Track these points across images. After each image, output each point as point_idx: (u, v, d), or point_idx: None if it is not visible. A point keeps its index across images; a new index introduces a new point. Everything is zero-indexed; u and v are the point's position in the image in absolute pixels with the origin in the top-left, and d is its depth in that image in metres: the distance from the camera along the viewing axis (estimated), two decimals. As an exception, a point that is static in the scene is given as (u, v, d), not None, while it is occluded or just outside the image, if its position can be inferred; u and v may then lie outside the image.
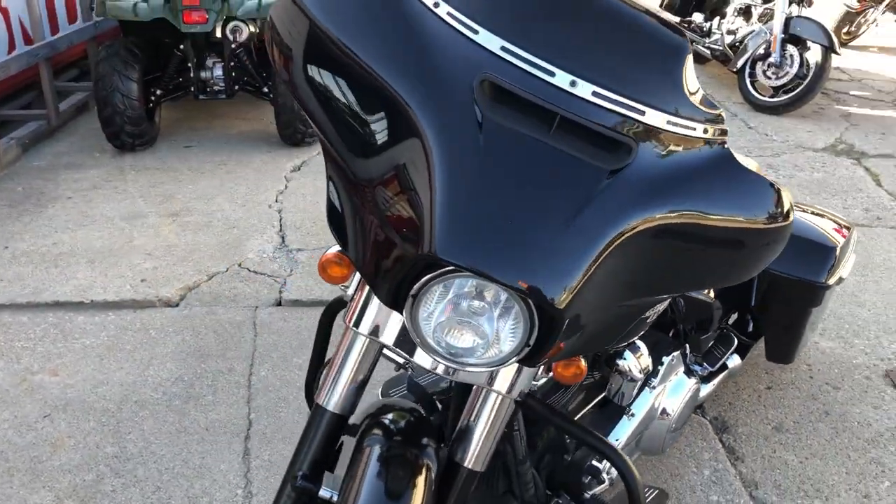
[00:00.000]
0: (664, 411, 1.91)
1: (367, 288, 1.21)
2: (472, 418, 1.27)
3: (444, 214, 0.95)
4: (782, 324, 2.30)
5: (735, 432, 2.41)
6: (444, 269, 1.00)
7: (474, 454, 1.26)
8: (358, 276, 1.25)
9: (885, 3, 6.87)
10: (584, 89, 1.03)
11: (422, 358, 1.20)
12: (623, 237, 1.00)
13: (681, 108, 1.10)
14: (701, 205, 1.11)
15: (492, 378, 1.22)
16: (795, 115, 5.56)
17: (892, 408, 2.54)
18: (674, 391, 1.94)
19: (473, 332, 1.05)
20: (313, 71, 1.12)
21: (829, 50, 5.23)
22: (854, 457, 2.33)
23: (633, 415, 1.86)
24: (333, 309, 1.59)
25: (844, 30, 7.08)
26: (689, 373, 2.03)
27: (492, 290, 1.03)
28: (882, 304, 3.12)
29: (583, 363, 1.36)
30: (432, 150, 0.99)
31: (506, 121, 1.02)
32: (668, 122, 1.08)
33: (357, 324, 1.22)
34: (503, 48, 1.04)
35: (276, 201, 3.89)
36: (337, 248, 1.23)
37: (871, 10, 6.94)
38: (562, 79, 1.03)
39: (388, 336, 1.21)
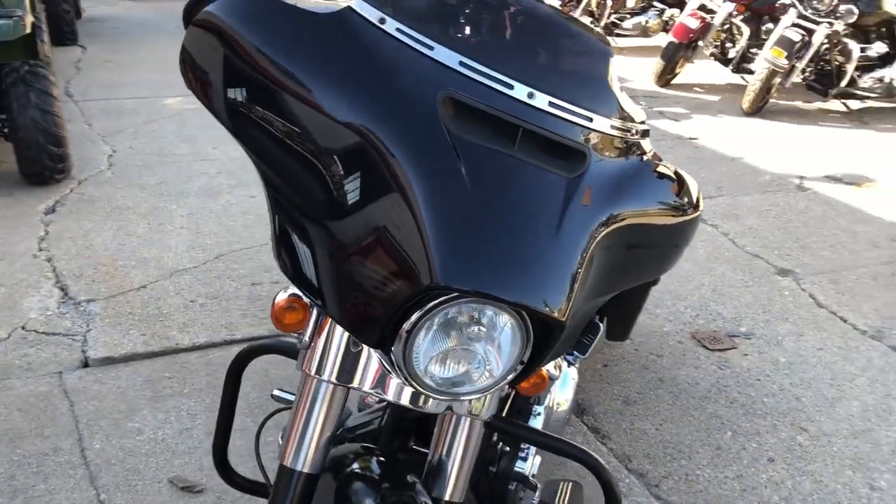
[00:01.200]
0: (559, 403, 1.96)
1: (325, 331, 1.12)
2: (443, 450, 1.22)
3: (439, 241, 0.92)
4: (626, 304, 2.46)
5: (593, 412, 2.55)
6: (444, 299, 0.95)
7: (454, 486, 1.21)
8: (314, 319, 1.15)
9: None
10: (541, 100, 1.04)
11: (399, 394, 1.13)
12: (594, 241, 1.03)
13: (617, 110, 1.15)
14: (645, 203, 1.18)
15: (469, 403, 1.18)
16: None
17: (708, 365, 2.83)
18: (564, 383, 2.01)
19: (467, 359, 1.01)
20: (255, 105, 1.04)
21: None
22: (696, 415, 2.57)
23: (539, 413, 1.89)
24: (243, 360, 1.42)
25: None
26: (569, 363, 2.11)
27: (489, 312, 0.99)
28: (666, 275, 3.47)
29: (544, 371, 1.35)
30: (410, 178, 0.95)
31: (473, 138, 0.99)
32: (612, 127, 1.12)
33: (320, 370, 1.13)
34: (462, 63, 1.02)
35: (41, 249, 3.41)
36: (286, 293, 1.16)
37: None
38: (520, 91, 1.03)
39: (364, 379, 1.13)
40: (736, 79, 7.06)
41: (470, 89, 1.01)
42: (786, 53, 6.01)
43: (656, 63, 7.01)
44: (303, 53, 1.03)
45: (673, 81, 7.17)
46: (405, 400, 1.13)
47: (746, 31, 6.63)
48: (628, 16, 8.16)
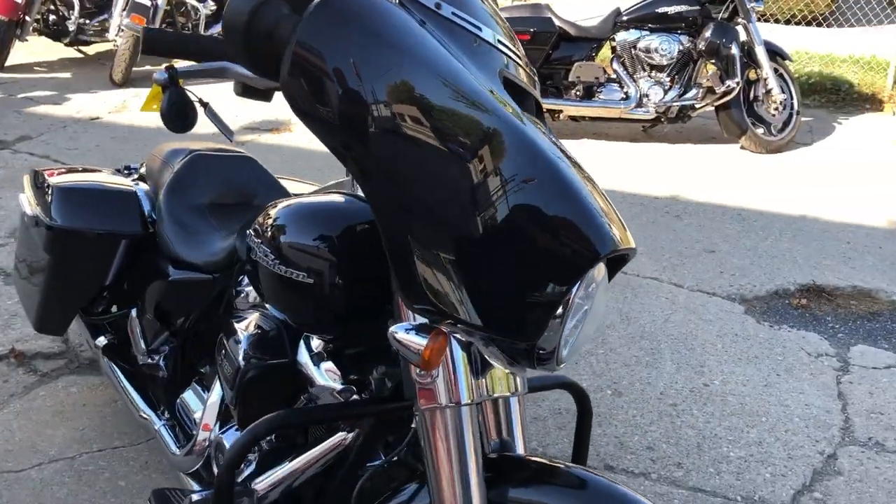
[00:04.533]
0: None
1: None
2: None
3: (588, 214, 0.99)
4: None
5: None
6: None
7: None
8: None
9: None
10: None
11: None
12: None
13: None
14: None
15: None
16: None
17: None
18: None
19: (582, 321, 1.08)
20: (388, 109, 1.00)
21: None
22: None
23: None
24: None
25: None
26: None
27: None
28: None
29: None
30: (530, 154, 1.00)
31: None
32: None
33: (456, 396, 1.15)
34: (500, 41, 1.14)
35: None
36: (421, 333, 1.08)
37: None
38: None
39: (487, 385, 1.20)
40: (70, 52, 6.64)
41: (511, 68, 1.14)
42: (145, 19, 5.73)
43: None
44: (415, 47, 1.03)
45: (7, 64, 5.99)
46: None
47: (77, 3, 6.36)
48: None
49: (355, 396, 1.45)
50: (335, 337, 1.48)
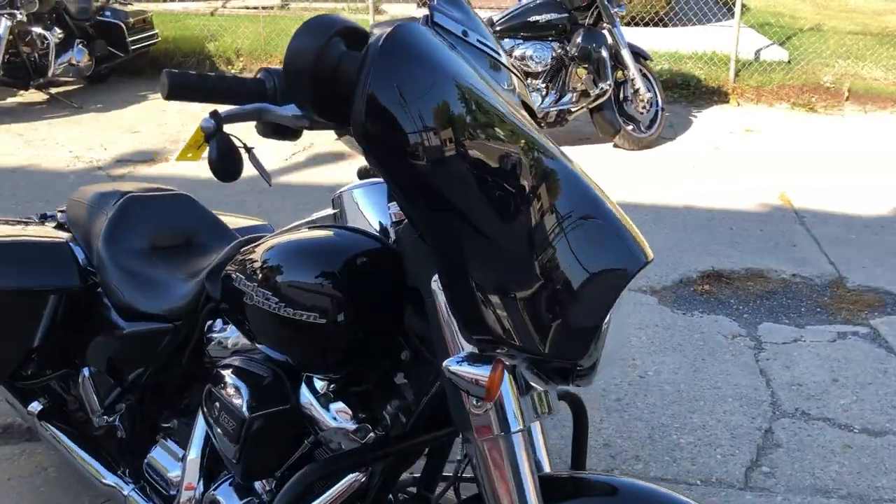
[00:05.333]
0: None
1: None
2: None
3: (616, 232, 1.07)
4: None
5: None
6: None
7: None
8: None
9: None
10: None
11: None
12: None
13: None
14: None
15: None
16: None
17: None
18: None
19: None
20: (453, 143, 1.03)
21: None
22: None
23: None
24: None
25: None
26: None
27: None
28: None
29: None
30: (574, 188, 1.09)
31: None
32: None
33: (509, 425, 1.16)
34: (508, 64, 1.31)
35: None
36: (482, 366, 1.07)
37: None
38: None
39: (535, 407, 1.22)
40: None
41: (517, 86, 1.28)
42: None
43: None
44: (465, 76, 1.06)
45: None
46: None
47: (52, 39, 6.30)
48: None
49: (371, 434, 1.41)
50: (341, 376, 1.43)
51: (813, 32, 8.87)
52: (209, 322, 1.71)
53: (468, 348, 1.13)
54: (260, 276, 1.37)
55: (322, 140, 5.68)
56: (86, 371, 1.86)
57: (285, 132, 1.22)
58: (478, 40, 1.16)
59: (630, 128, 5.54)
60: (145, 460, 1.80)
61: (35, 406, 2.07)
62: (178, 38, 7.84)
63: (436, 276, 1.13)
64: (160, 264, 1.89)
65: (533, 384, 1.19)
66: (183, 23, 8.54)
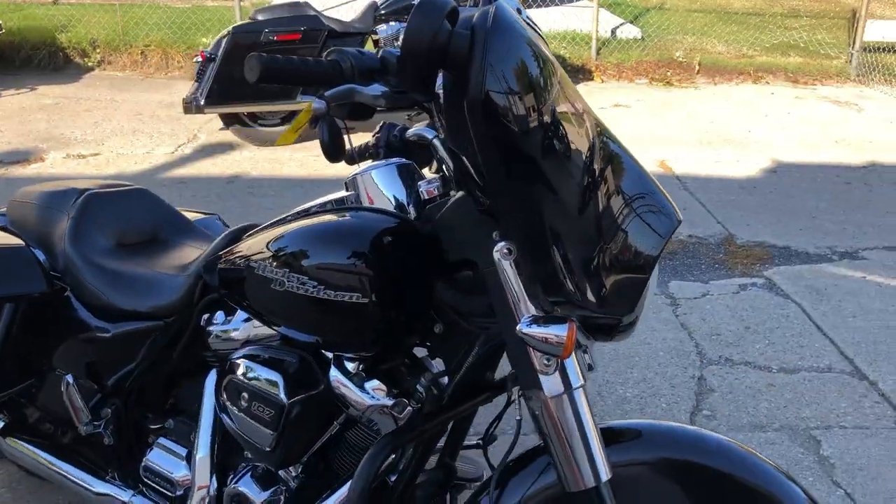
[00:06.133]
0: None
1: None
2: None
3: (656, 194, 1.21)
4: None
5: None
6: None
7: None
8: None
9: None
10: None
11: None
12: None
13: None
14: None
15: None
16: None
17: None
18: None
19: None
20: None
21: None
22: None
23: None
24: None
25: None
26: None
27: None
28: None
29: None
30: (623, 160, 1.24)
31: None
32: None
33: (572, 381, 1.23)
34: None
35: None
36: (557, 325, 1.15)
37: None
38: None
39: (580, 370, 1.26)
40: None
41: None
42: None
43: None
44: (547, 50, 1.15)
45: None
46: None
47: None
48: None
49: (409, 408, 1.44)
50: (373, 354, 1.46)
51: (658, 11, 9.44)
52: (205, 315, 1.67)
53: (531, 312, 1.19)
54: (288, 262, 1.36)
55: (207, 130, 5.50)
56: (69, 378, 1.76)
57: (361, 113, 1.22)
58: (526, 17, 1.23)
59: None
60: (142, 464, 1.74)
61: None
62: (24, 29, 7.30)
63: (498, 246, 1.18)
64: (135, 261, 1.82)
65: (582, 341, 1.27)
66: (25, 12, 7.95)
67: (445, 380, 1.45)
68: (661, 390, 2.70)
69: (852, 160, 5.29)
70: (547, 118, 1.06)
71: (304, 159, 4.95)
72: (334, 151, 1.20)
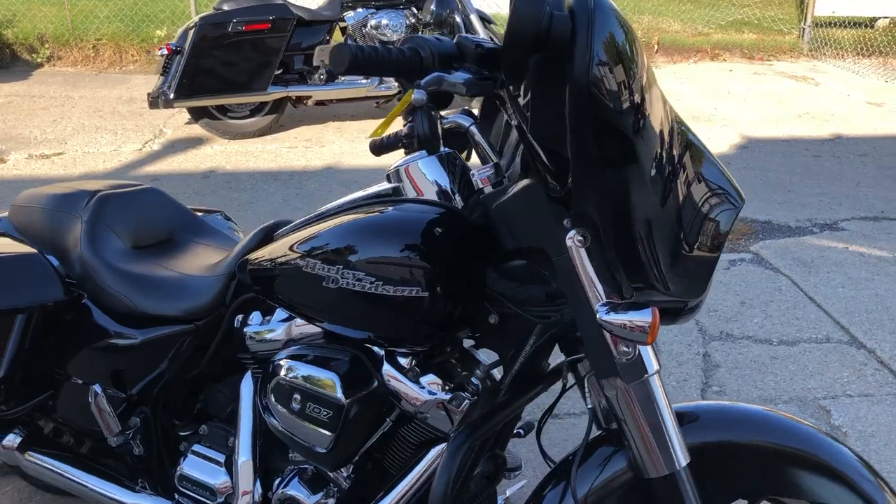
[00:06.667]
0: None
1: None
2: None
3: (723, 176, 1.24)
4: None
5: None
6: None
7: None
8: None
9: None
10: None
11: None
12: None
13: None
14: None
15: None
16: None
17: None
18: None
19: None
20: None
21: None
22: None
23: None
24: None
25: None
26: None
27: None
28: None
29: None
30: (694, 143, 1.27)
31: None
32: None
33: (650, 367, 1.22)
34: None
35: None
36: (640, 311, 1.13)
37: None
38: None
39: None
40: None
41: None
42: None
43: None
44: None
45: None
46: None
47: None
48: None
49: (466, 401, 1.42)
50: (427, 348, 1.43)
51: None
52: (238, 316, 1.62)
53: (604, 299, 1.18)
54: (341, 258, 1.33)
55: (173, 125, 5.36)
56: (97, 388, 1.69)
57: (442, 101, 1.19)
58: None
59: (483, 90, 5.69)
60: (177, 472, 1.68)
61: (11, 440, 1.85)
62: (-35, 25, 7.02)
63: (571, 234, 1.16)
64: (157, 263, 1.76)
65: None
66: (-37, 8, 7.63)
67: (495, 371, 1.44)
68: (669, 368, 2.72)
69: (818, 133, 5.40)
70: (638, 99, 1.04)
71: (277, 151, 4.86)
72: (434, 141, 1.16)
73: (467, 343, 1.49)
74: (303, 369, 1.45)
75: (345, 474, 1.54)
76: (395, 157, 1.43)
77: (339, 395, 1.39)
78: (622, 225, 1.10)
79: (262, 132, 5.10)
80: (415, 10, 5.28)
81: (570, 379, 1.40)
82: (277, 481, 1.58)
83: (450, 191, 1.40)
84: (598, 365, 1.24)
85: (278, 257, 1.44)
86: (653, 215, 1.11)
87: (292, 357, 1.48)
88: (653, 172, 1.09)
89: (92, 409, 1.70)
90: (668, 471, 1.22)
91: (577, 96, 0.99)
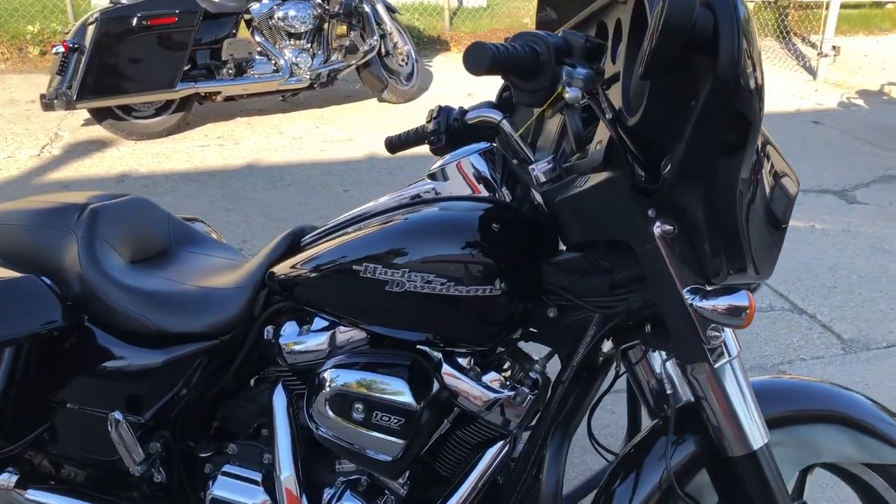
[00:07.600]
0: None
1: None
2: None
3: (783, 162, 1.33)
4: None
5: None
6: None
7: None
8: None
9: None
10: None
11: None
12: None
13: None
14: None
15: None
16: None
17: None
18: None
19: None
20: None
21: None
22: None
23: None
24: None
25: None
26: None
27: None
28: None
29: None
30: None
31: None
32: None
33: (732, 350, 1.27)
34: None
35: None
36: (740, 296, 1.18)
37: None
38: None
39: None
40: None
41: None
42: None
43: None
44: None
45: None
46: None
47: None
48: None
49: (529, 397, 1.42)
50: (487, 347, 1.42)
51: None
52: (268, 328, 1.54)
53: (688, 286, 1.20)
54: (404, 261, 1.30)
55: (69, 127, 5.01)
56: (117, 416, 1.56)
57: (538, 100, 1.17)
58: None
59: (392, 81, 5.66)
60: (208, 496, 1.59)
61: (6, 478, 1.70)
62: None
63: (658, 223, 1.18)
64: (163, 277, 1.65)
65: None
66: None
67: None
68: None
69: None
70: (763, 83, 1.07)
71: (190, 150, 4.64)
72: (587, 139, 1.14)
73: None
74: (363, 377, 1.40)
75: (401, 481, 1.51)
76: (406, 155, 1.40)
77: (410, 400, 1.36)
78: (726, 212, 1.12)
79: (169, 131, 4.85)
80: (320, 1, 5.16)
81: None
82: (328, 496, 1.52)
83: (495, 185, 1.40)
84: (684, 350, 1.26)
85: (324, 264, 1.39)
86: (752, 200, 1.14)
87: (344, 366, 1.43)
88: (754, 157, 1.12)
89: (113, 438, 1.58)
90: (753, 448, 1.27)
91: (723, 89, 1.00)
